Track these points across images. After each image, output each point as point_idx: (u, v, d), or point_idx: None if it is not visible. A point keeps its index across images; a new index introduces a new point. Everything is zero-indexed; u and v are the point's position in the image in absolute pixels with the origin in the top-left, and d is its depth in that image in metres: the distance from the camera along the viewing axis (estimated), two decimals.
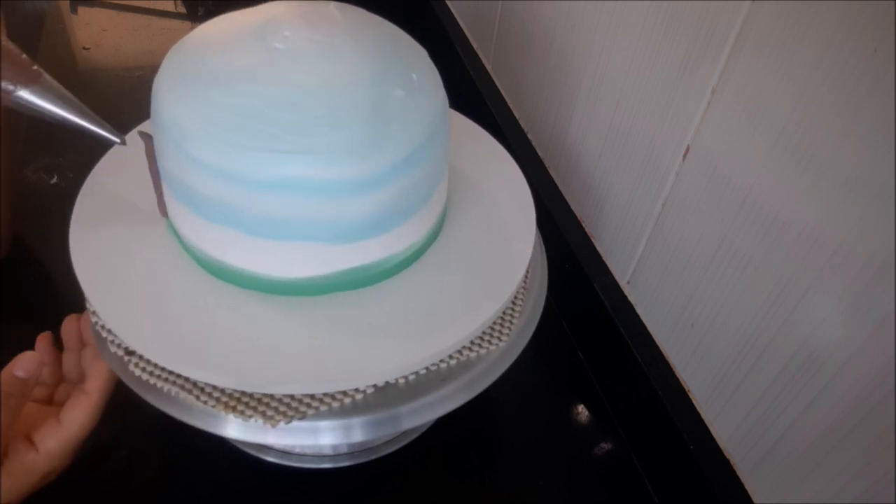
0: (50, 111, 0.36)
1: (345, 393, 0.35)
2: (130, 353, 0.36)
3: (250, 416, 0.34)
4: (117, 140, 0.38)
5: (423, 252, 0.40)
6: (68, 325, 0.43)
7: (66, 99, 0.36)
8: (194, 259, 0.38)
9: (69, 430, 0.37)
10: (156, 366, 0.36)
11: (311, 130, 0.32)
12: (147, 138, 0.37)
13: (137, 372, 0.35)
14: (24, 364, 0.37)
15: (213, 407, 0.34)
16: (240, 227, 0.34)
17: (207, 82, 0.33)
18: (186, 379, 0.35)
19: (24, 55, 0.35)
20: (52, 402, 0.41)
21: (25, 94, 0.35)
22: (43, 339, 0.42)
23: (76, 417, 0.37)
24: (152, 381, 0.35)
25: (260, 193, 0.33)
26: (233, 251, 0.36)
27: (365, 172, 0.33)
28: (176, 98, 0.33)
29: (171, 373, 0.35)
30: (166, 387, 0.35)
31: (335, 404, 0.35)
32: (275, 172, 0.32)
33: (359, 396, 0.35)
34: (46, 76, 0.35)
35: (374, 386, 0.36)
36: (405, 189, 0.35)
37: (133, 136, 0.39)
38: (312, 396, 0.35)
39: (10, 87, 0.34)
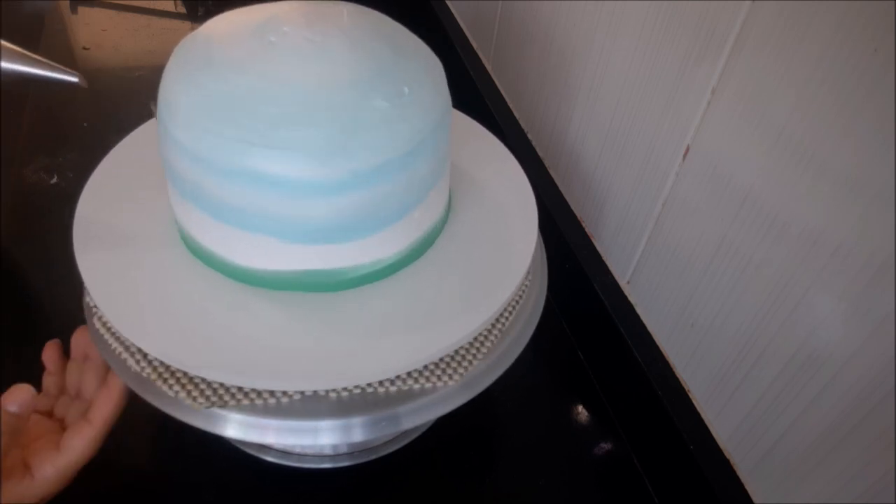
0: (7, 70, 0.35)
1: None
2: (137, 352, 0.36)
3: (177, 392, 0.34)
4: (74, 79, 0.37)
5: (421, 253, 0.40)
6: (78, 337, 0.41)
7: (18, 53, 0.35)
8: (181, 238, 0.39)
9: (67, 458, 0.36)
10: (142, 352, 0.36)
11: (282, 126, 0.32)
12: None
13: (132, 364, 0.35)
14: (18, 398, 0.36)
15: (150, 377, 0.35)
16: (207, 211, 0.35)
17: (200, 67, 0.34)
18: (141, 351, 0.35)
19: None
20: (53, 415, 0.40)
21: None
22: (51, 348, 0.42)
23: (76, 447, 0.37)
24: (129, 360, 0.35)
25: (226, 181, 0.33)
26: (204, 232, 0.37)
27: (326, 175, 0.33)
28: (173, 80, 0.34)
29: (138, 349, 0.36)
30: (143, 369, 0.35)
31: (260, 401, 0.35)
32: (241, 163, 0.32)
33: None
34: None
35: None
36: (372, 200, 0.35)
37: (129, 140, 0.39)
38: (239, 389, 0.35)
39: None
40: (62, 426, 0.39)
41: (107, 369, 0.39)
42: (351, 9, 0.37)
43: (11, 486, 0.35)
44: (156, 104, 0.36)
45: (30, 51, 0.38)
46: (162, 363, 0.35)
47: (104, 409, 0.38)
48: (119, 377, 0.37)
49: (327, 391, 0.35)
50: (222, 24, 0.36)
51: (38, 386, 0.42)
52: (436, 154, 0.37)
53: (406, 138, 0.34)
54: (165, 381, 0.35)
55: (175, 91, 0.34)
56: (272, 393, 0.35)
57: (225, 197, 0.34)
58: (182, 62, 0.35)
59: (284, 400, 0.35)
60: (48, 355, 0.41)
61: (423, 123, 0.35)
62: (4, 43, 0.35)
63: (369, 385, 0.36)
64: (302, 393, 0.35)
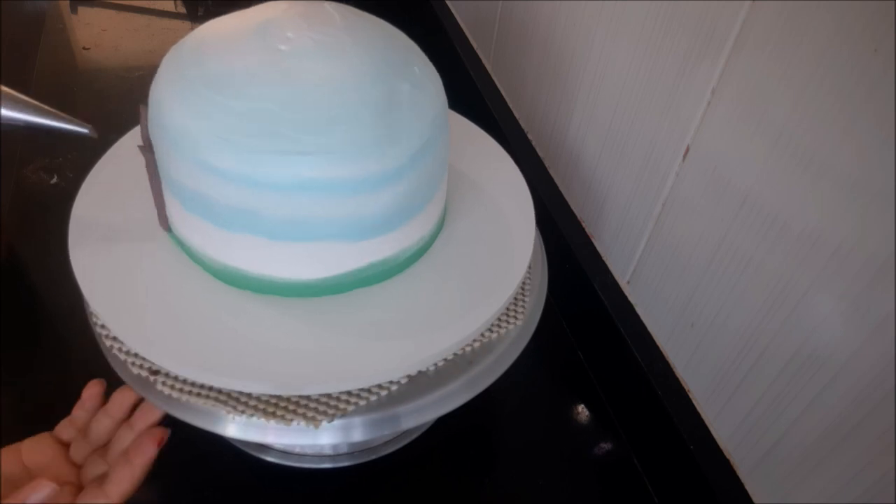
0: (12, 118, 0.34)
1: (379, 386, 0.35)
2: (155, 372, 0.35)
3: (291, 420, 0.34)
4: (86, 131, 0.37)
5: (426, 249, 0.40)
6: (121, 394, 0.40)
7: (25, 102, 0.35)
8: (203, 267, 0.38)
9: None
10: (177, 378, 0.35)
11: (327, 129, 0.32)
12: (147, 153, 0.36)
13: (167, 391, 0.35)
14: (39, 495, 0.35)
15: (252, 415, 0.34)
16: (259, 233, 0.34)
17: (216, 88, 0.32)
18: (219, 391, 0.35)
19: None
20: (68, 454, 0.39)
21: None
22: (95, 386, 0.40)
23: None
24: (176, 395, 0.35)
25: (280, 196, 0.32)
26: (252, 257, 0.35)
27: (383, 168, 0.33)
28: (183, 106, 0.33)
29: (198, 385, 0.35)
30: (194, 400, 0.34)
31: (368, 399, 0.35)
32: (293, 174, 0.32)
33: (392, 389, 0.36)
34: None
35: (397, 383, 0.36)
36: (418, 182, 0.36)
37: (126, 140, 0.38)
38: (349, 393, 0.35)
39: None
40: (76, 475, 0.38)
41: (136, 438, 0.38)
42: (334, 6, 0.37)
43: None
44: (146, 106, 0.35)
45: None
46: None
47: (124, 485, 0.36)
48: (144, 451, 0.36)
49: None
50: (211, 36, 0.35)
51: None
52: (446, 139, 0.38)
53: (433, 115, 0.36)
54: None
55: (189, 116, 0.32)
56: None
57: (278, 212, 0.33)
58: (183, 84, 0.33)
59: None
60: (90, 393, 0.40)
61: (438, 99, 0.36)
62: (9, 91, 0.35)
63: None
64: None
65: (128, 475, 0.37)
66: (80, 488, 0.37)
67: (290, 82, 0.32)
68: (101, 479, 0.37)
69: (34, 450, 0.37)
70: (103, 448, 0.40)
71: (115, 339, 0.36)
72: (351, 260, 0.36)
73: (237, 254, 0.36)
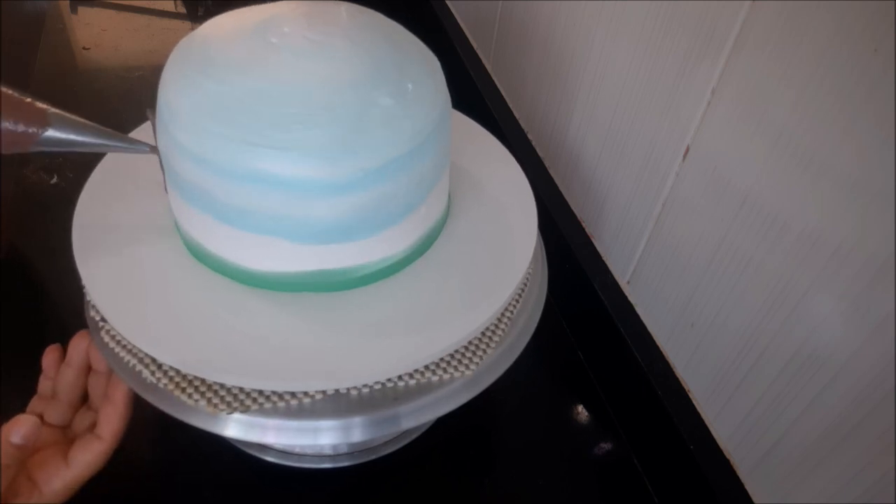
0: (73, 142, 0.34)
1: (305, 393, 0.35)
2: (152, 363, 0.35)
3: (197, 401, 0.34)
4: (146, 150, 0.37)
5: (426, 249, 0.40)
6: (77, 342, 0.40)
7: (84, 125, 0.35)
8: (183, 241, 0.38)
9: (76, 471, 0.36)
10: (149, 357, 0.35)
11: (287, 126, 0.32)
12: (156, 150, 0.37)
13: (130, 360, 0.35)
14: (22, 430, 0.35)
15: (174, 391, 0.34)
16: (212, 213, 0.35)
17: (200, 69, 0.33)
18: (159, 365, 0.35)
19: (28, 98, 0.33)
20: (46, 421, 0.39)
21: (50, 134, 0.33)
22: (52, 353, 0.41)
23: (86, 460, 0.36)
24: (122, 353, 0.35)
25: (231, 183, 0.33)
26: (207, 235, 0.36)
27: (334, 175, 0.33)
28: (172, 82, 0.34)
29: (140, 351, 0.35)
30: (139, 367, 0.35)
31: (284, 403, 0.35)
32: (246, 164, 0.32)
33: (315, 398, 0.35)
34: (53, 110, 0.34)
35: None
36: (380, 198, 0.35)
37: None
38: (260, 392, 0.35)
39: (33, 130, 0.33)
40: (63, 435, 0.39)
41: (110, 378, 0.39)
42: (349, 8, 0.37)
43: (21, 501, 0.35)
44: (153, 111, 0.36)
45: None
46: (175, 370, 0.35)
47: (113, 423, 0.37)
48: (122, 386, 0.37)
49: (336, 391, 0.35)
50: (221, 25, 0.36)
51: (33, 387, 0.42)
52: (438, 151, 0.37)
53: (410, 135, 0.34)
54: (183, 389, 0.35)
55: (176, 93, 0.34)
56: (281, 396, 0.35)
57: (228, 199, 0.34)
58: (181, 64, 0.35)
59: (294, 402, 0.35)
60: (48, 360, 0.41)
61: (427, 120, 0.35)
62: (61, 113, 0.34)
63: (368, 385, 0.36)
64: (308, 395, 0.35)
65: (113, 413, 0.37)
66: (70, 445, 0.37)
67: (266, 75, 0.33)
68: (91, 427, 0.38)
69: (19, 422, 0.37)
70: (86, 406, 0.40)
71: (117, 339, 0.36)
72: (296, 261, 0.36)
73: (196, 228, 0.37)
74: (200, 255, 0.38)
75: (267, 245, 0.35)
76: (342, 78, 0.33)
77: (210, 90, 0.33)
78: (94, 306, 0.38)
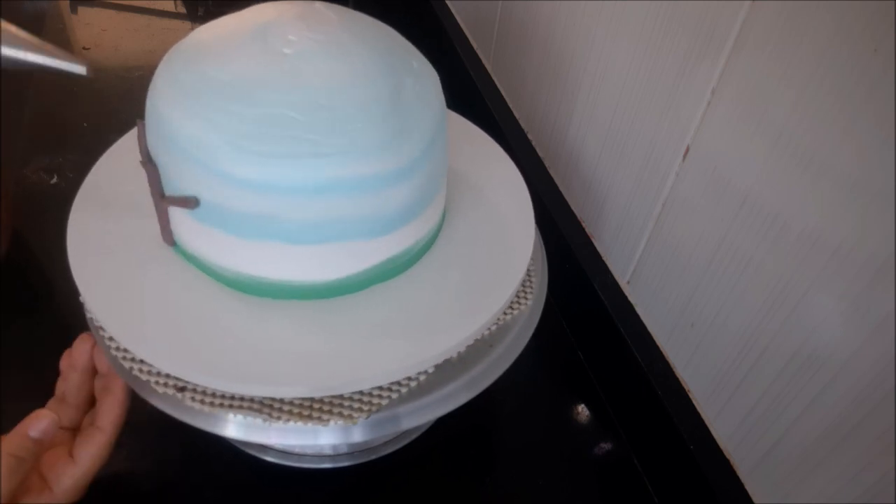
0: (11, 57, 0.33)
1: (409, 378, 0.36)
2: (182, 388, 0.35)
3: (328, 420, 0.34)
4: (82, 70, 0.35)
5: (426, 249, 0.40)
6: (81, 345, 0.40)
7: (24, 40, 0.33)
8: (214, 277, 0.37)
9: (83, 467, 0.37)
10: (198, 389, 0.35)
11: (342, 129, 0.32)
12: (150, 167, 0.35)
13: (197, 406, 0.34)
14: (41, 424, 0.36)
15: (288, 420, 0.34)
16: (277, 238, 0.34)
17: (226, 96, 0.32)
18: (251, 399, 0.35)
19: None
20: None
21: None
22: (68, 356, 0.40)
23: (90, 453, 0.37)
24: (208, 410, 0.34)
25: (301, 200, 0.32)
26: (269, 263, 0.35)
27: (398, 163, 0.34)
28: (190, 115, 0.32)
29: (228, 397, 0.35)
30: (226, 413, 0.34)
31: (400, 392, 0.36)
32: (315, 176, 0.32)
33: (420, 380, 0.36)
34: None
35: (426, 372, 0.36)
36: (429, 173, 0.36)
37: (125, 140, 0.38)
38: (381, 388, 0.35)
39: None
40: (72, 437, 0.39)
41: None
42: (326, 6, 0.37)
43: (32, 501, 0.35)
44: (142, 124, 0.35)
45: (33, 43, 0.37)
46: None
47: (112, 413, 0.38)
48: (120, 379, 0.37)
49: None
50: (208, 41, 0.34)
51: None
52: (443, 150, 0.38)
53: (437, 108, 0.36)
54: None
55: (200, 126, 0.32)
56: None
57: (301, 216, 0.33)
58: (187, 93, 0.32)
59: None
60: (65, 363, 0.41)
61: (438, 92, 0.37)
62: (9, 26, 0.33)
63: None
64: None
65: (113, 403, 0.38)
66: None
67: (300, 85, 0.32)
68: (93, 418, 0.38)
69: (37, 417, 0.37)
70: (94, 409, 0.40)
71: (137, 360, 0.36)
72: (369, 257, 0.36)
73: (252, 260, 0.35)
74: (197, 263, 0.37)
75: (341, 250, 0.35)
76: (369, 71, 0.34)
77: (246, 114, 0.31)
78: (91, 317, 0.38)
